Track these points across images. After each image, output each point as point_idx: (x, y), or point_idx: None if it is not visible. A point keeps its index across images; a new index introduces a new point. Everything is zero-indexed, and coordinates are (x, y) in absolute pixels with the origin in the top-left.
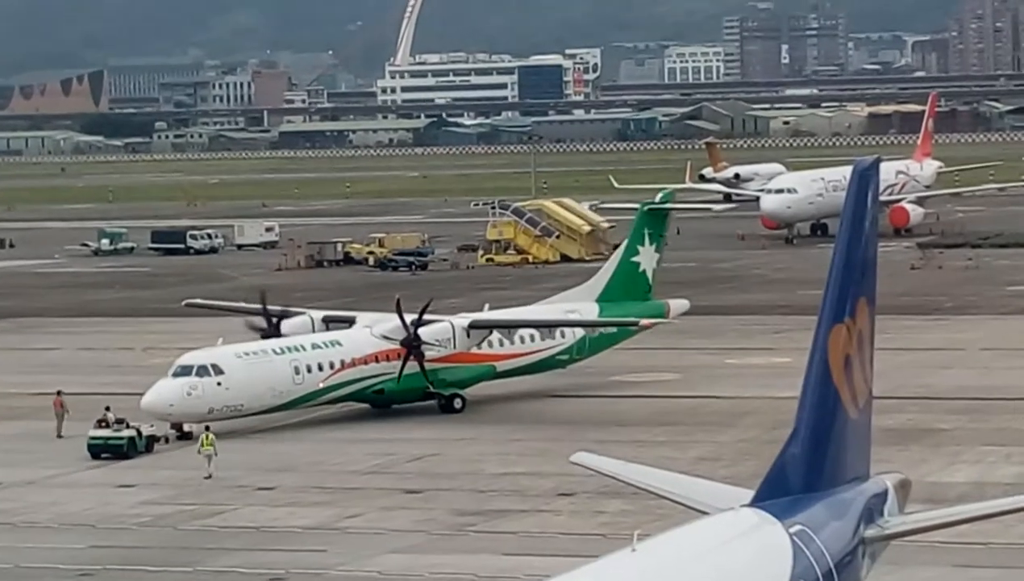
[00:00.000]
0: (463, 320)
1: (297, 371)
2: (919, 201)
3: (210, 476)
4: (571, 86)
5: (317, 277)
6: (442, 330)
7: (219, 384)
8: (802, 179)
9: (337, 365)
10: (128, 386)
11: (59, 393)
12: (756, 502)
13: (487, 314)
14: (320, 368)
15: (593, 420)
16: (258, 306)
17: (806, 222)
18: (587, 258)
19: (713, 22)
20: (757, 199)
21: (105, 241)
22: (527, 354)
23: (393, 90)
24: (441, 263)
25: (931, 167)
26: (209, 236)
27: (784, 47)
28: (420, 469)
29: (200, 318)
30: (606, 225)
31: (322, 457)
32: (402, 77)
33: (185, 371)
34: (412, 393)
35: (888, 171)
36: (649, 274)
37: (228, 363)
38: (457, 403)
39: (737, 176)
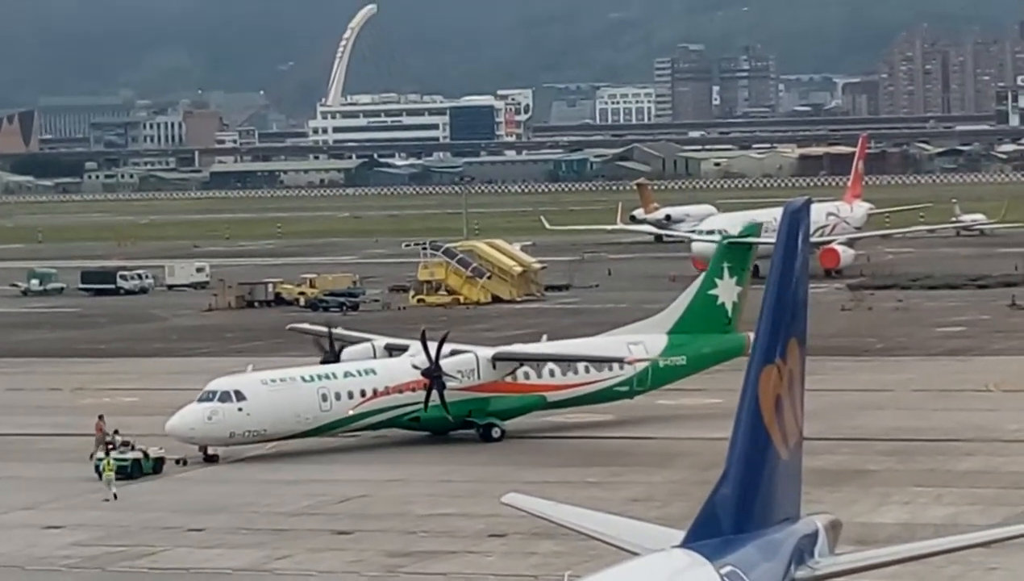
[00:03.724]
0: (487, 351)
1: (325, 398)
2: (849, 242)
3: (111, 499)
4: (503, 127)
5: (248, 318)
6: (465, 362)
7: (240, 410)
8: (733, 220)
9: (369, 393)
10: (57, 427)
11: (100, 417)
12: (687, 543)
13: (512, 347)
14: (350, 396)
15: (524, 461)
16: (357, 334)
17: None
18: (518, 299)
19: (644, 63)
20: (688, 240)
21: (35, 281)
22: (581, 385)
23: (324, 130)
24: (372, 304)
25: (861, 209)
26: (139, 276)
27: (715, 88)
28: (350, 510)
29: (129, 358)
30: (537, 266)
31: (252, 498)
32: (333, 117)
33: (210, 396)
34: (447, 422)
35: (819, 212)
36: (728, 307)
37: (251, 389)
38: (495, 432)
39: (668, 217)
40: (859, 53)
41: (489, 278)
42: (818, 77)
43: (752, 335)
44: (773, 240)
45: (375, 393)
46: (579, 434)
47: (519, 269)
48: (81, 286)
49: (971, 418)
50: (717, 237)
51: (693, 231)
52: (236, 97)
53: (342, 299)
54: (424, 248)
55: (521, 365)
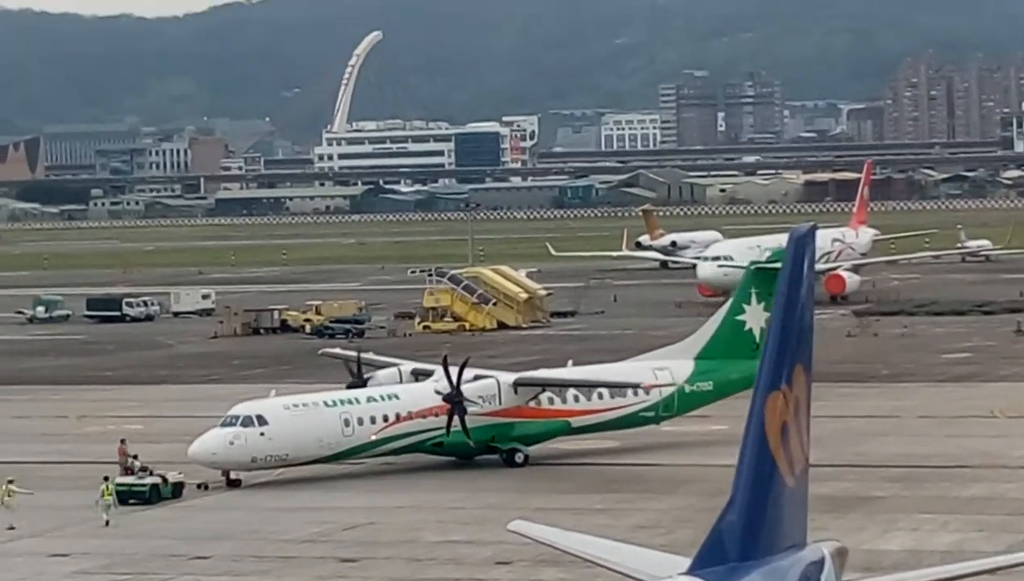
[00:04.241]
0: (509, 377)
1: (347, 423)
2: (855, 268)
3: (108, 523)
4: (508, 153)
5: (253, 345)
6: (486, 387)
7: (262, 434)
8: (738, 246)
9: (392, 418)
10: (63, 454)
11: (123, 442)
12: (693, 570)
13: (533, 372)
14: (372, 421)
15: (531, 488)
16: (385, 359)
17: None
18: (524, 325)
19: (649, 90)
20: (694, 266)
21: (40, 308)
22: (605, 410)
23: (330, 157)
24: (378, 330)
25: (867, 235)
26: (145, 303)
27: (720, 115)
28: (357, 537)
29: (135, 386)
30: (543, 292)
31: (258, 525)
32: (339, 144)
33: (232, 421)
34: (469, 447)
35: (824, 238)
36: (756, 333)
37: (274, 414)
38: (518, 457)
39: (674, 243)
40: (864, 79)
41: (495, 304)
42: (823, 103)
43: None
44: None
45: (398, 418)
46: (585, 461)
47: (524, 295)
48: (87, 313)
49: (977, 444)
50: (722, 261)
51: (698, 257)
52: (241, 124)
53: (347, 326)
54: (430, 275)
55: (543, 390)
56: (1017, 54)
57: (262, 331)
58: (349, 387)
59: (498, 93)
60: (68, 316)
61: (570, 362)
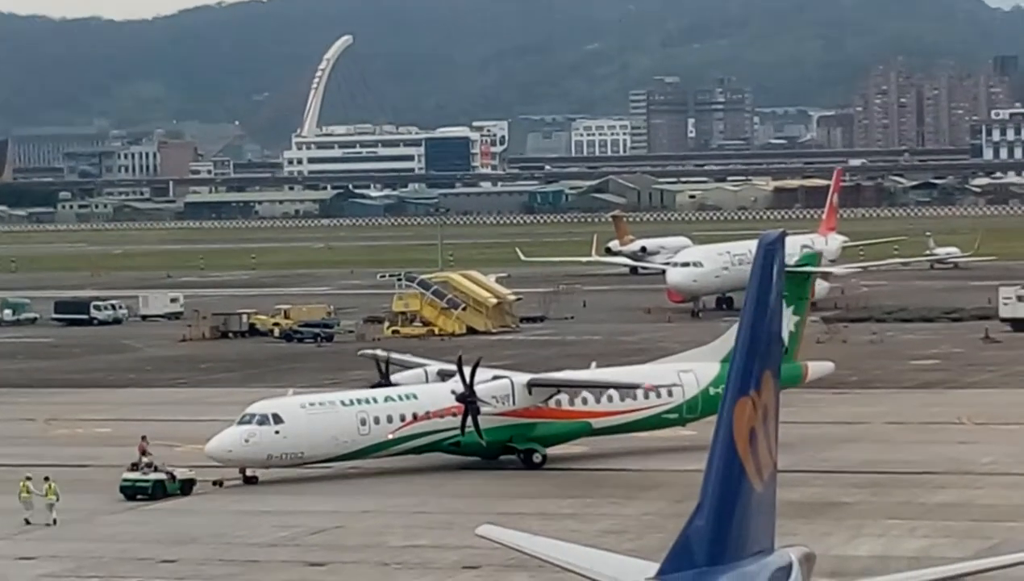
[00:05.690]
0: (523, 377)
1: (363, 422)
2: (824, 275)
3: (54, 522)
4: (478, 158)
5: (222, 348)
6: (500, 387)
7: (277, 433)
8: (708, 253)
9: (409, 418)
10: (31, 457)
11: (144, 438)
12: (661, 575)
13: (546, 374)
14: (389, 420)
15: (499, 492)
16: (414, 360)
17: (712, 296)
18: (493, 330)
19: (620, 95)
20: (663, 272)
21: (8, 311)
22: (627, 412)
23: (300, 161)
24: (347, 335)
25: (836, 241)
26: (113, 307)
27: (690, 121)
28: (324, 541)
29: (103, 389)
30: (512, 297)
31: (225, 529)
32: (309, 148)
33: (248, 419)
34: (486, 447)
35: (793, 245)
36: (785, 336)
37: (289, 413)
38: (536, 458)
39: (643, 249)
40: (834, 86)
41: (464, 309)
42: (793, 110)
43: (809, 364)
44: (832, 269)
45: (415, 418)
46: (553, 465)
47: (494, 300)
48: (54, 316)
49: (944, 451)
50: (692, 267)
51: (668, 263)
52: (211, 127)
53: (316, 330)
54: (399, 279)
55: (559, 391)
56: (987, 62)
57: (230, 335)
58: (374, 386)
59: (468, 98)
60: (35, 319)
61: (593, 363)
